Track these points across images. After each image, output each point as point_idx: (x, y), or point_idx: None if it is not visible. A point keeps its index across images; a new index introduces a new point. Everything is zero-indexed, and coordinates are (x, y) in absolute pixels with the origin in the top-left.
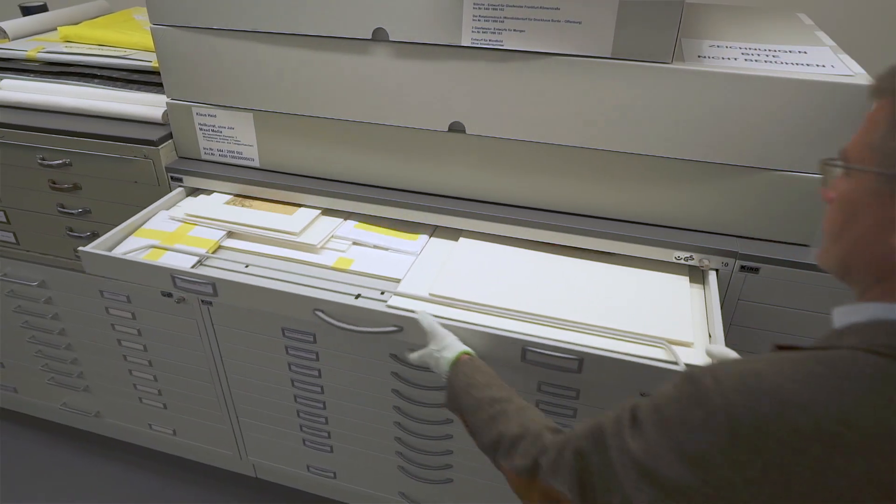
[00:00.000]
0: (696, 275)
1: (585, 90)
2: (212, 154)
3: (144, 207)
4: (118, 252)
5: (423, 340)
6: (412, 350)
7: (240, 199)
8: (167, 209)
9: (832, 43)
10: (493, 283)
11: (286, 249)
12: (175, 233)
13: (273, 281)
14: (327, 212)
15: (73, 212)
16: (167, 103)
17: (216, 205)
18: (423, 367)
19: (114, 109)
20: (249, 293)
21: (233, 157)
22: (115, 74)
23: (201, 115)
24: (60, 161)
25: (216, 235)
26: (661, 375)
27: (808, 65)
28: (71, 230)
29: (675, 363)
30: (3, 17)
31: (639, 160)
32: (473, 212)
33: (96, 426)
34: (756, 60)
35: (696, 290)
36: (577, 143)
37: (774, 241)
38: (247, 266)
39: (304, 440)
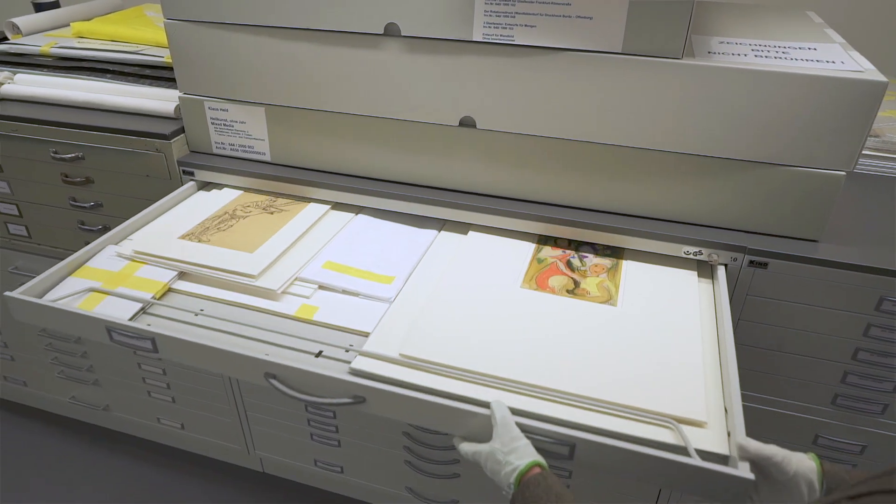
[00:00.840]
0: (705, 270)
1: (596, 85)
2: (223, 148)
3: (156, 201)
4: (50, 297)
5: (387, 412)
6: (464, 438)
7: (225, 215)
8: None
9: (842, 40)
10: (474, 338)
11: (243, 295)
12: (120, 273)
13: (223, 335)
14: (337, 206)
15: (85, 205)
16: (179, 98)
17: (169, 240)
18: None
19: (126, 104)
20: (193, 351)
21: (244, 151)
22: (128, 70)
23: (213, 109)
24: (73, 155)
25: (166, 277)
26: (670, 468)
27: (817, 61)
28: (83, 223)
29: (686, 451)
30: (16, 13)
31: (649, 155)
32: (483, 206)
33: (105, 420)
34: (766, 56)
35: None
36: (587, 139)
37: (783, 237)
38: (196, 315)
39: (311, 434)
